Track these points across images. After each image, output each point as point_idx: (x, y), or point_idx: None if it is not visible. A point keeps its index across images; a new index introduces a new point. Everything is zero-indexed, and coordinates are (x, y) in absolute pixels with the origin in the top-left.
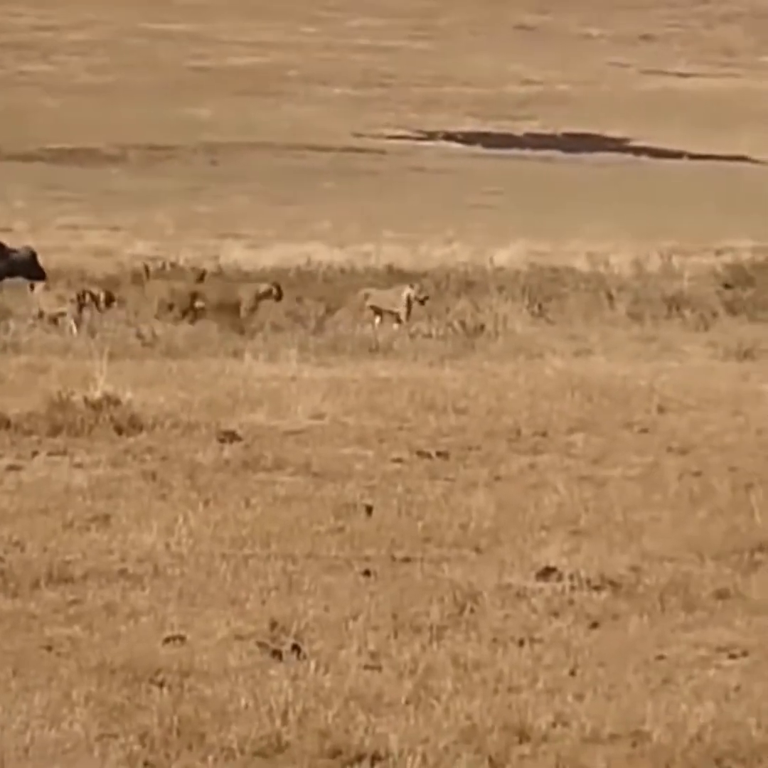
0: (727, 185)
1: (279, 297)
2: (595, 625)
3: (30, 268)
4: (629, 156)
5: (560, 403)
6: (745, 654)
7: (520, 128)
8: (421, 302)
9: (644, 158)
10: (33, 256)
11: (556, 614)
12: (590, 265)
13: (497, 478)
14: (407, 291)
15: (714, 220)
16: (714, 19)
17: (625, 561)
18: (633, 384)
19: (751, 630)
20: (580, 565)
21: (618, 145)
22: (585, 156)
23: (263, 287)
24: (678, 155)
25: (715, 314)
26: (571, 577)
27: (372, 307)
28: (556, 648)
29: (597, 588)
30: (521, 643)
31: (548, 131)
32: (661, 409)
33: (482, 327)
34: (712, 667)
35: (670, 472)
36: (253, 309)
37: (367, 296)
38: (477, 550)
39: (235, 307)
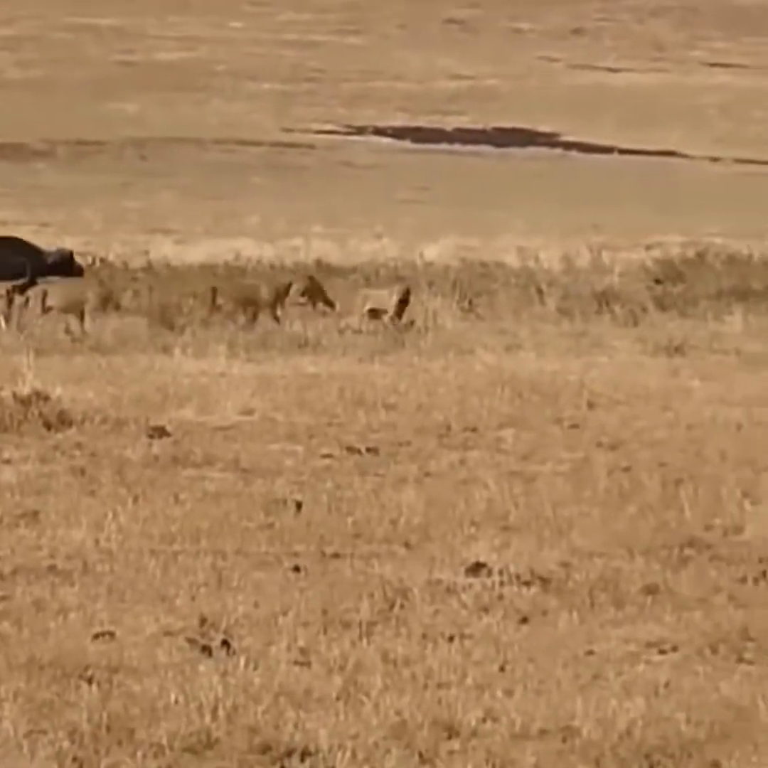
0: (657, 180)
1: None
2: (524, 621)
3: (66, 269)
4: (559, 151)
5: (490, 399)
6: (674, 649)
7: (450, 123)
8: (404, 302)
9: (574, 153)
10: (70, 256)
11: (485, 610)
12: (520, 261)
13: (427, 474)
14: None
15: (644, 215)
16: (644, 14)
17: (555, 557)
18: (563, 380)
19: (681, 625)
20: (510, 560)
21: (548, 140)
22: (515, 151)
23: (293, 285)
24: (608, 150)
25: (644, 310)
26: (501, 573)
27: (371, 310)
28: (485, 644)
29: (526, 584)
30: (451, 639)
31: (478, 126)
32: (590, 405)
33: (412, 323)
34: (642, 663)
35: (600, 468)
36: (274, 305)
37: (366, 298)
38: (407, 546)
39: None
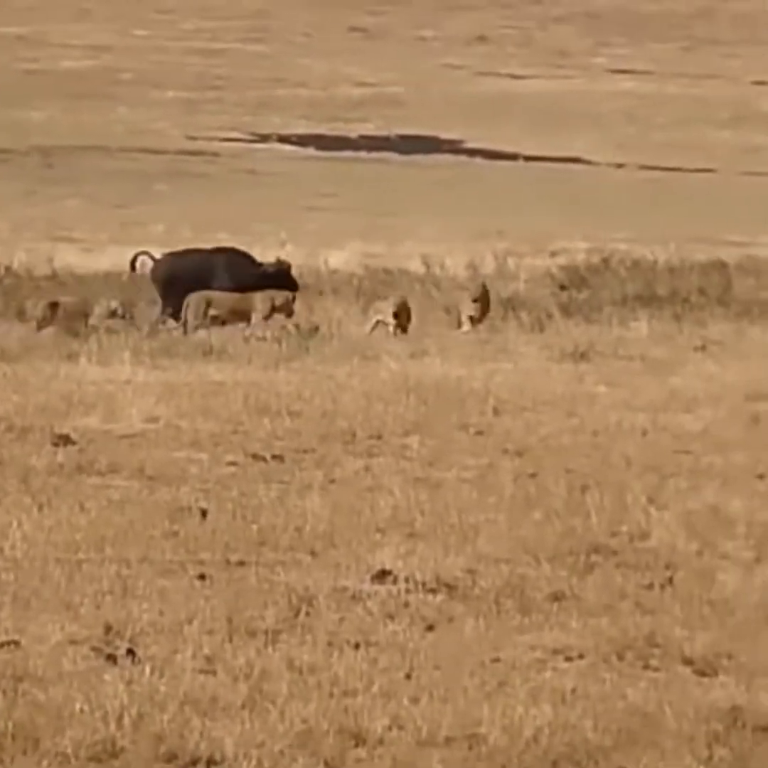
0: (562, 187)
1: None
2: (430, 628)
3: (283, 281)
4: (464, 158)
5: (395, 406)
6: (581, 656)
7: (355, 130)
8: (396, 316)
9: (479, 160)
10: (287, 269)
11: (391, 617)
12: (425, 267)
13: (332, 481)
14: (393, 301)
15: (549, 221)
16: (548, 20)
17: (461, 563)
18: (468, 386)
19: (587, 632)
20: (416, 567)
21: (453, 147)
22: (420, 158)
23: (280, 298)
24: (513, 157)
25: (550, 316)
26: (407, 580)
27: (379, 321)
28: (391, 651)
29: (432, 590)
30: (357, 646)
31: (382, 133)
32: (496, 411)
33: (316, 329)
34: (548, 670)
35: (505, 474)
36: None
37: (377, 311)
38: (312, 553)
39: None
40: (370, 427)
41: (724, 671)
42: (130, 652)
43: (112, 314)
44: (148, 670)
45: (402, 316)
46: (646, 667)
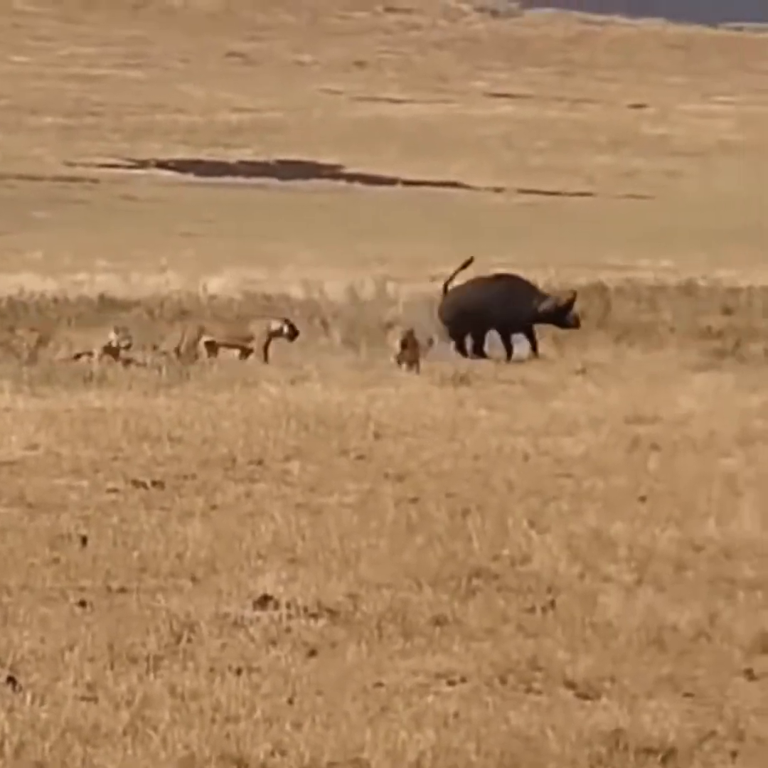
0: (440, 211)
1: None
2: (312, 654)
3: (559, 318)
4: (343, 183)
5: (275, 431)
6: (463, 680)
7: (233, 156)
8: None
9: (358, 185)
10: (567, 303)
11: (273, 643)
12: (305, 292)
13: (213, 507)
14: (270, 325)
15: (428, 246)
16: (426, 45)
17: (342, 589)
18: (349, 411)
19: (469, 656)
20: (297, 593)
21: (332, 172)
22: (299, 183)
23: (275, 324)
24: (391, 182)
25: (430, 341)
26: (288, 606)
27: (208, 343)
28: (273, 677)
29: (314, 616)
30: (239, 672)
31: (261, 159)
32: (377, 436)
33: (197, 356)
34: (431, 694)
35: (387, 499)
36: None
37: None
38: (193, 579)
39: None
40: (250, 453)
41: (606, 694)
42: (11, 680)
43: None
44: (29, 697)
45: (408, 347)
46: (529, 690)
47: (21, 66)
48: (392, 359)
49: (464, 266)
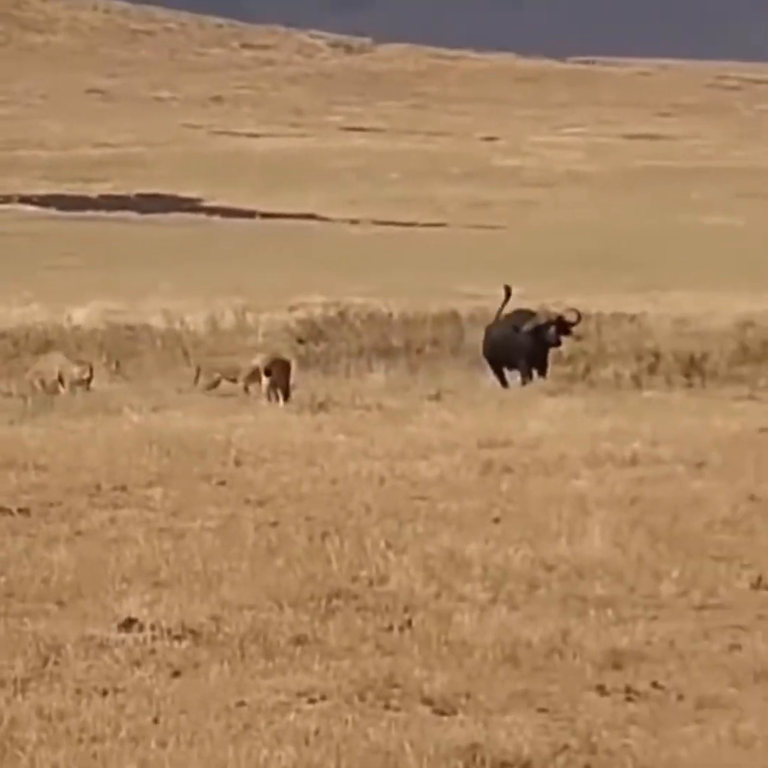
0: (298, 242)
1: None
2: (176, 674)
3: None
4: (203, 216)
5: (138, 458)
6: (323, 698)
7: (95, 190)
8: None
9: (217, 218)
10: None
11: (138, 664)
12: (166, 323)
13: (78, 533)
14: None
15: (286, 276)
16: (281, 81)
17: (205, 610)
18: (209, 438)
19: (329, 674)
20: (161, 615)
21: (192, 205)
22: (159, 216)
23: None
24: (250, 214)
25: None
26: (153, 628)
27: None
28: (138, 697)
29: (178, 637)
30: (104, 693)
31: (122, 193)
32: (237, 462)
33: (59, 388)
34: (292, 712)
35: (248, 523)
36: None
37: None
38: (59, 603)
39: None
40: (114, 479)
41: (462, 710)
42: None
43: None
44: None
45: (274, 374)
46: (387, 707)
47: None
48: (264, 391)
49: (507, 300)
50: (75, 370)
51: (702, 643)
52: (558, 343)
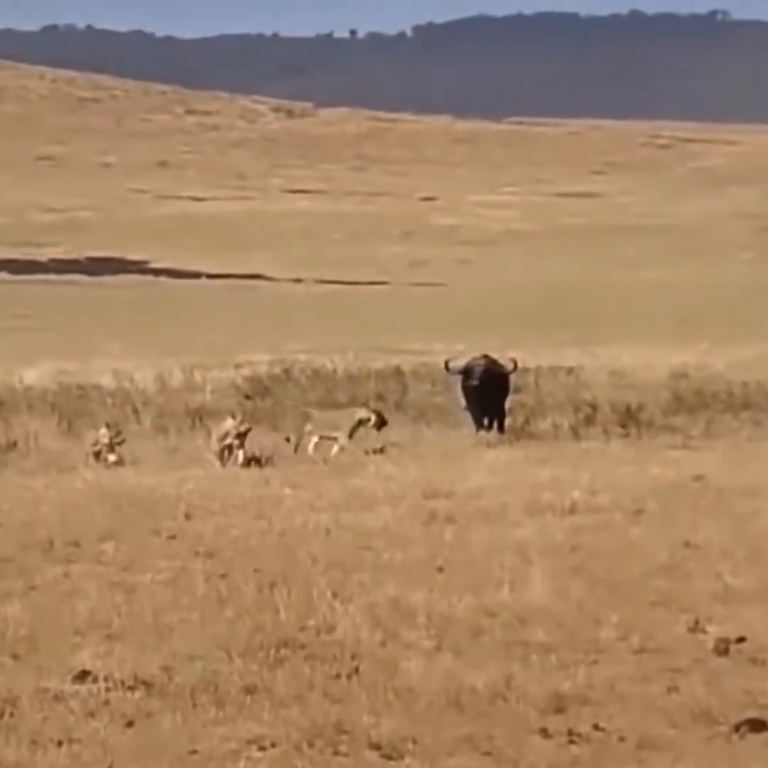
0: (244, 302)
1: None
2: (130, 724)
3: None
4: (150, 277)
5: (91, 514)
6: (273, 745)
7: (45, 254)
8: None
9: (164, 279)
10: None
11: (92, 715)
12: (116, 382)
13: (32, 588)
14: (357, 414)
15: (233, 335)
16: (226, 145)
17: (157, 661)
18: (160, 493)
19: (279, 722)
20: (114, 667)
21: (139, 268)
22: (108, 279)
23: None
24: (196, 276)
25: (242, 423)
26: (106, 679)
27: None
28: (93, 747)
29: (131, 688)
30: (59, 743)
31: (72, 256)
32: (187, 516)
33: (14, 444)
34: (243, 759)
35: (198, 576)
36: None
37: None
38: (14, 657)
39: None
40: (67, 535)
41: (409, 754)
42: None
43: None
44: None
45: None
46: (336, 753)
47: None
48: (213, 451)
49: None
50: (363, 416)
51: (641, 686)
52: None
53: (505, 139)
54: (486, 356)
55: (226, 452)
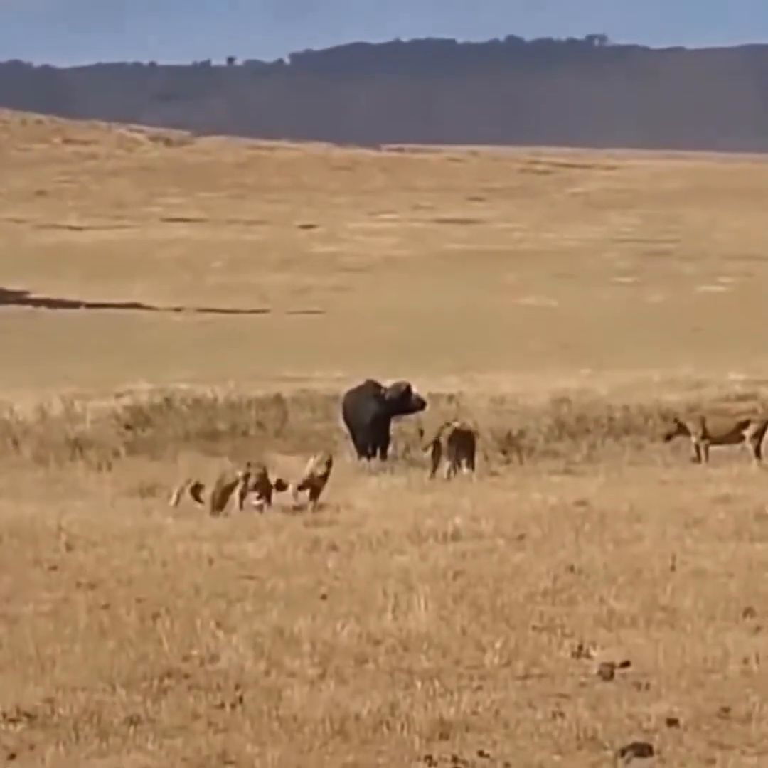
0: (124, 331)
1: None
2: (12, 757)
3: (406, 403)
4: (28, 308)
5: None
6: None
7: None
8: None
9: (43, 309)
10: (407, 389)
11: None
12: None
13: None
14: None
15: (113, 365)
16: (103, 174)
17: (40, 693)
18: (40, 524)
19: (163, 753)
20: None
21: (17, 298)
22: None
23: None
24: (75, 305)
25: (117, 454)
26: None
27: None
28: None
29: (13, 720)
30: None
31: None
32: (69, 547)
33: None
34: None
35: (80, 606)
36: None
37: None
38: None
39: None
40: None
41: None
42: None
43: None
44: None
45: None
46: None
47: None
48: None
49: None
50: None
51: (526, 712)
52: (423, 406)
53: (384, 166)
54: (371, 381)
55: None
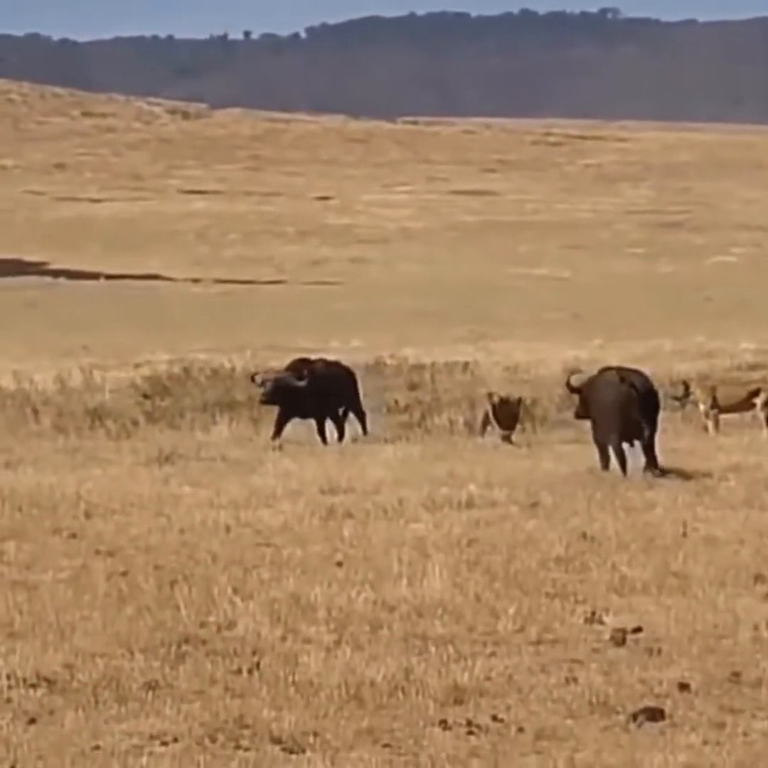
0: (143, 302)
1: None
2: (32, 721)
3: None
4: (48, 279)
5: None
6: (175, 740)
7: None
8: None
9: (63, 280)
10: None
11: None
12: (16, 383)
13: None
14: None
15: (132, 335)
16: (121, 147)
17: (59, 659)
18: (60, 493)
19: (181, 717)
20: (16, 665)
21: (37, 269)
22: (6, 280)
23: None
24: (95, 276)
25: (135, 423)
26: (8, 677)
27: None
28: None
29: (33, 686)
30: None
31: None
32: (87, 515)
33: None
34: (145, 755)
35: (99, 574)
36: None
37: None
38: None
39: None
40: None
41: (310, 748)
42: None
43: None
44: None
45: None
46: (238, 747)
47: None
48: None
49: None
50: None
51: (539, 677)
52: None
53: (399, 139)
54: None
55: None
